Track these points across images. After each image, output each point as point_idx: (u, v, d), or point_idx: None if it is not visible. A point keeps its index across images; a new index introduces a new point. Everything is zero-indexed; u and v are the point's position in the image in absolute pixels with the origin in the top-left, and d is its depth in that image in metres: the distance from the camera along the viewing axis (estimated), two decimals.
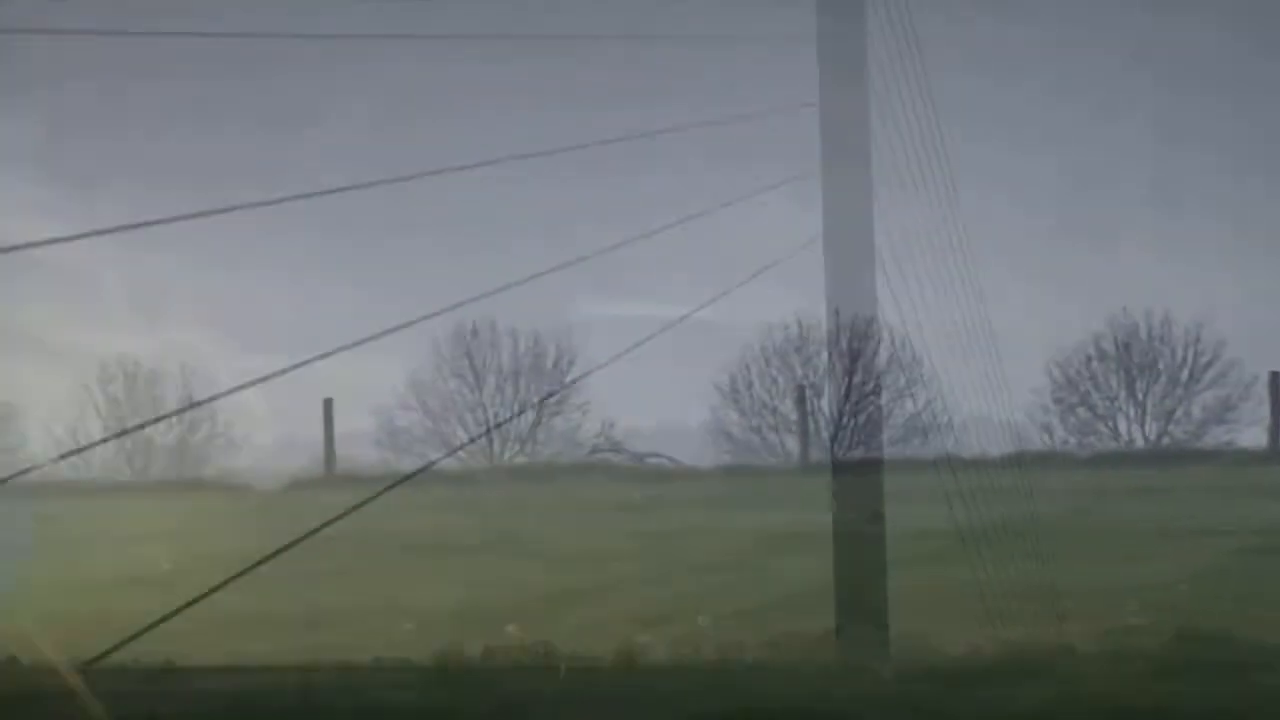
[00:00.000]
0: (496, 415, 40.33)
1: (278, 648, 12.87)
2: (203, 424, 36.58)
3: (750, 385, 36.90)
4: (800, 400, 33.69)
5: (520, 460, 39.84)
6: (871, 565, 11.23)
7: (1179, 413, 32.82)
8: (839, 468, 13.44)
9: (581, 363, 39.10)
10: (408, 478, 13.23)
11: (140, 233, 5.78)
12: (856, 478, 12.15)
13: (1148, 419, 32.99)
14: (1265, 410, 31.00)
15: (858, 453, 13.33)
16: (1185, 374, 32.62)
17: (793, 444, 34.21)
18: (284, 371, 6.32)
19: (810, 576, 12.51)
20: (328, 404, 30.75)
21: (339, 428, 31.29)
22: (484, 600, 15.38)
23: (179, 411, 35.58)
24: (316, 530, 6.19)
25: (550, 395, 39.58)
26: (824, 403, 27.84)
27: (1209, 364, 32.46)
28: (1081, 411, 33.18)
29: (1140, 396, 32.93)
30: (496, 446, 40.39)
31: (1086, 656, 11.11)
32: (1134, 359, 32.95)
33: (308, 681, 10.49)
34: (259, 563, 5.52)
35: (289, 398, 25.34)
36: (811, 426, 32.46)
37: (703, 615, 13.65)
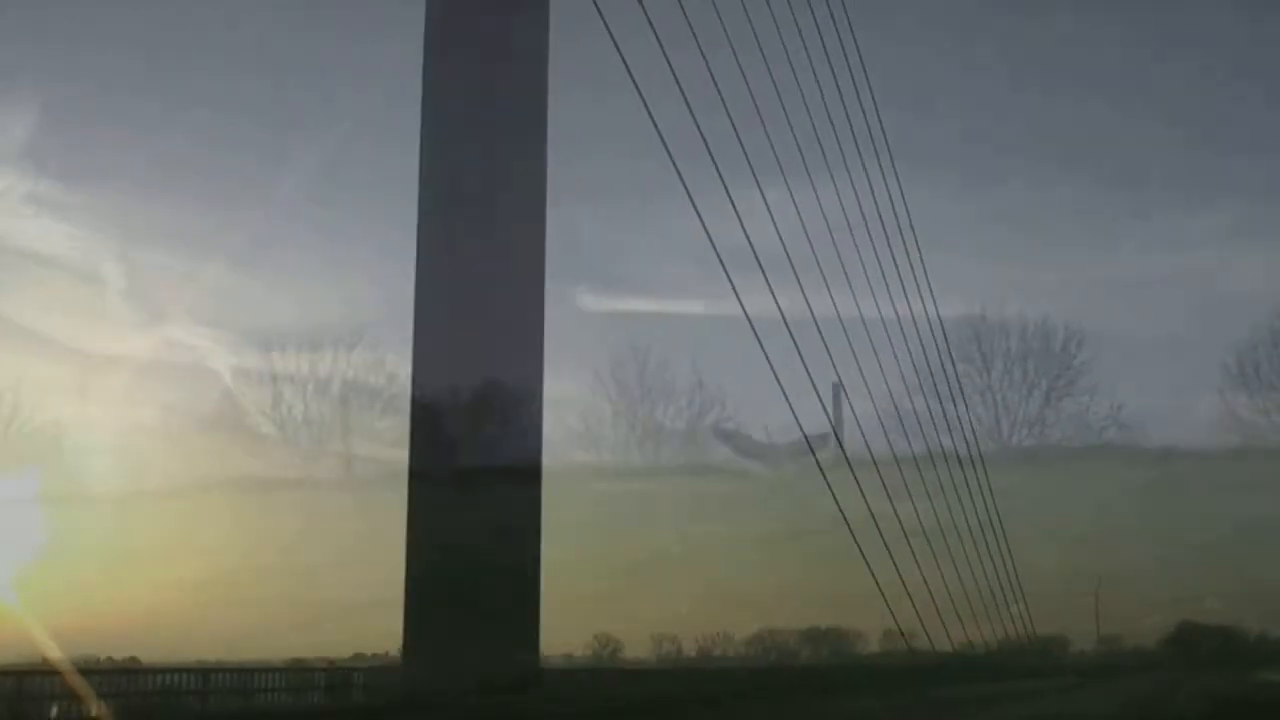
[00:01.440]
0: (1005, 398, 38.56)
1: None
2: (711, 409, 35.25)
3: (1258, 367, 34.44)
4: None
5: (1029, 443, 38.03)
6: None
7: None
8: None
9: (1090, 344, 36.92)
10: None
11: None
12: None
13: None
14: None
15: None
16: None
17: None
18: None
19: None
20: (835, 388, 29.15)
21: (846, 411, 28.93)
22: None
23: None
24: None
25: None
26: None
27: None
28: None
29: None
30: (1005, 429, 38.78)
31: None
32: None
33: None
34: None
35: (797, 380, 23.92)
36: None
37: None
